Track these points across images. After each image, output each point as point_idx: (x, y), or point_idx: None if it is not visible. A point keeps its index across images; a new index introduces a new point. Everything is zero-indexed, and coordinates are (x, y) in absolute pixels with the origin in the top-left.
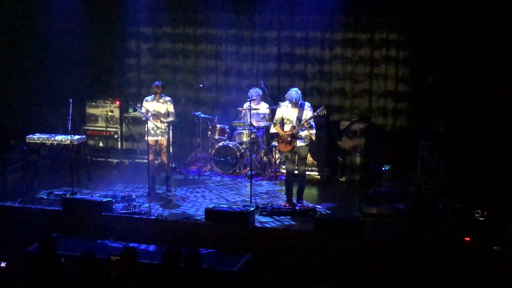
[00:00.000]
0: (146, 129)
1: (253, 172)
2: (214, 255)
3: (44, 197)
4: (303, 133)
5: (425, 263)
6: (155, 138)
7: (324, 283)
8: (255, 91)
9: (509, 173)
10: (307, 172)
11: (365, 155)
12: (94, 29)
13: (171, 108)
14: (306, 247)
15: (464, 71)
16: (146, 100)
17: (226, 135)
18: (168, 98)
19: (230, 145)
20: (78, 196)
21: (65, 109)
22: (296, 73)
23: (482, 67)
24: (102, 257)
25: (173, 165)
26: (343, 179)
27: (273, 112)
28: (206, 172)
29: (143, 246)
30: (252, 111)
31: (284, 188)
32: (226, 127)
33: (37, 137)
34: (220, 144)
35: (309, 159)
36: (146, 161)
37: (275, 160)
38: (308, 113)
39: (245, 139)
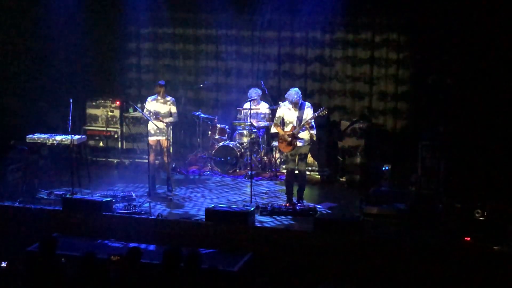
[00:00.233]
0: (147, 129)
1: (253, 172)
2: (214, 255)
3: (44, 197)
4: (303, 134)
5: (425, 263)
6: (157, 138)
7: (324, 283)
8: (254, 91)
9: (509, 173)
10: (307, 172)
11: (366, 155)
12: (94, 29)
13: (173, 109)
14: (306, 247)
15: (464, 71)
16: (148, 100)
17: (226, 135)
18: (170, 98)
19: (230, 145)
20: (78, 196)
21: (65, 109)
22: (296, 73)
23: (482, 67)
24: (102, 257)
25: (174, 165)
26: (343, 179)
27: (273, 112)
28: (207, 172)
29: (143, 246)
30: (252, 111)
31: (284, 188)
32: (226, 127)
33: (37, 137)
34: (221, 144)
35: (310, 159)
36: (146, 161)
37: (275, 160)
38: (308, 112)
39: (245, 139)
